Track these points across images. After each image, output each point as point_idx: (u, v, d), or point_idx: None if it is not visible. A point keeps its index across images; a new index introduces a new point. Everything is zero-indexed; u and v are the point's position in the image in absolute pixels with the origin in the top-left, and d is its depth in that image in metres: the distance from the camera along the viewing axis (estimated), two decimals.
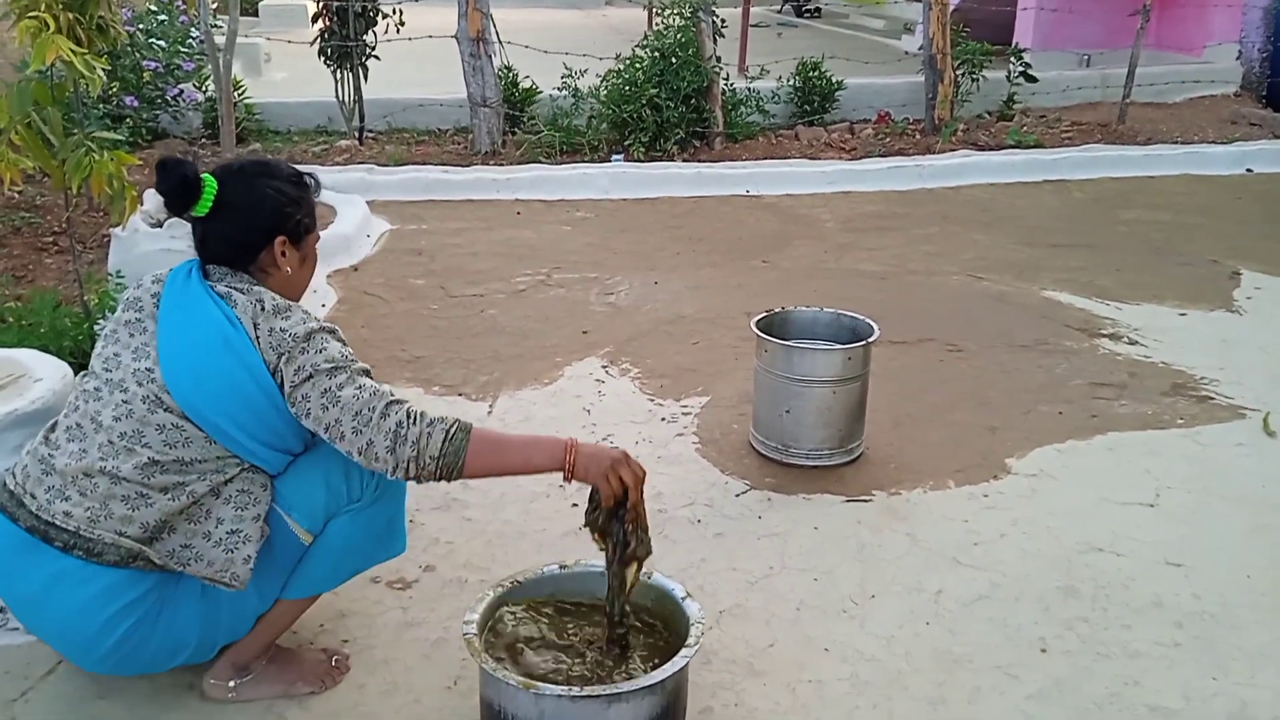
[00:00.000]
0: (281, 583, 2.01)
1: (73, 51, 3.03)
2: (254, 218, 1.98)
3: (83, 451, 1.87)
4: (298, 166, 2.15)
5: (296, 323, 1.92)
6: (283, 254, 2.01)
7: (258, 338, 1.89)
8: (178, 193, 1.94)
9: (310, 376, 1.89)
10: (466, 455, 1.89)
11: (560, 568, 2.19)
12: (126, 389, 1.89)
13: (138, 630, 1.87)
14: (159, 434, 1.86)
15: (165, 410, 1.87)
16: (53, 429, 1.96)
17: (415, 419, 1.89)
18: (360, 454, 1.88)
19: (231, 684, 2.08)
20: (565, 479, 1.96)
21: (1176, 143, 7.22)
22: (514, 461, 1.97)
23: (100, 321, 3.47)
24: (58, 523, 1.84)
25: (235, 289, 1.94)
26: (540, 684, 1.83)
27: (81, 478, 1.85)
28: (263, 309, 1.91)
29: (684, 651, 1.91)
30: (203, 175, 1.95)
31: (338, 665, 2.18)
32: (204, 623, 1.94)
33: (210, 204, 1.95)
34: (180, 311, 1.92)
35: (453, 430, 1.89)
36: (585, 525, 2.03)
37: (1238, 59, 8.92)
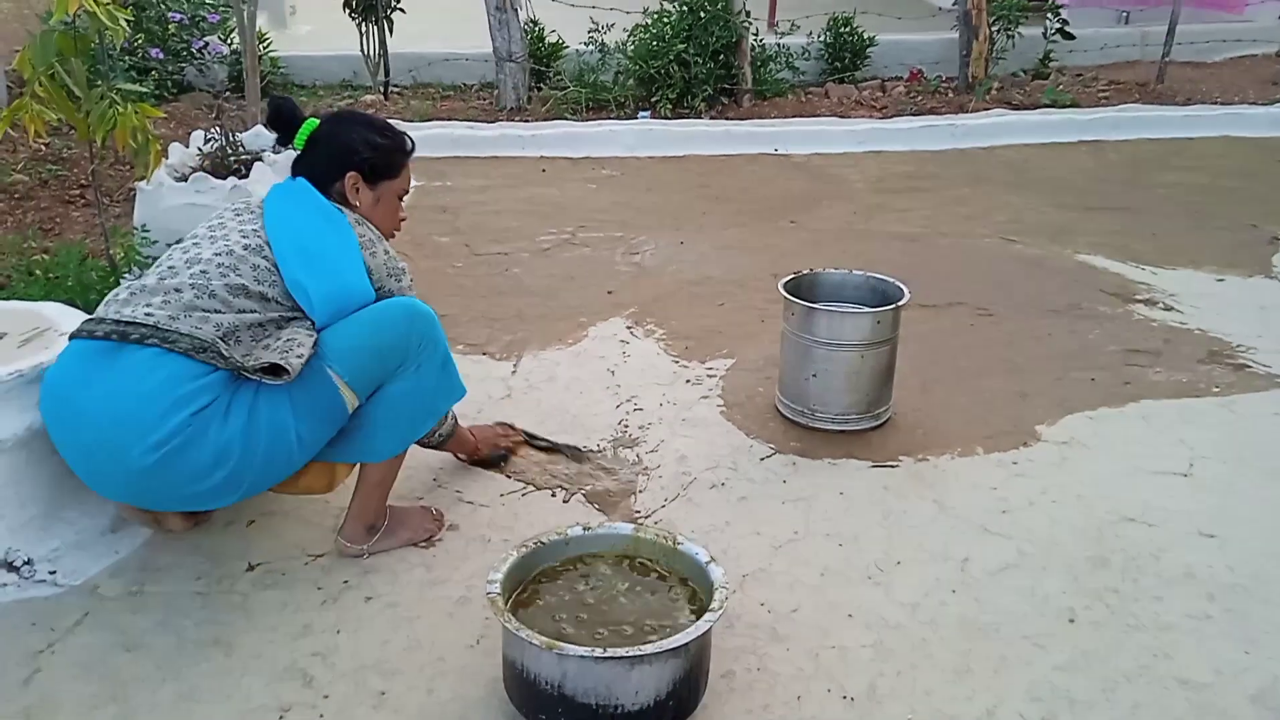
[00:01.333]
0: (323, 438, 2.21)
1: (96, 2, 3.01)
2: (332, 152, 2.38)
3: (174, 273, 2.18)
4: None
5: (388, 258, 2.37)
6: (355, 189, 2.39)
7: (365, 257, 2.30)
8: (279, 126, 2.40)
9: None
10: None
11: (584, 529, 2.18)
12: (229, 238, 2.24)
13: (192, 424, 2.03)
14: (252, 271, 2.19)
15: (262, 256, 2.21)
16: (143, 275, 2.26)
17: None
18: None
19: (365, 545, 2.39)
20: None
21: (1216, 103, 7.05)
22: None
23: (126, 276, 3.47)
24: (138, 320, 2.09)
25: (339, 208, 2.35)
26: (563, 644, 1.82)
27: (170, 291, 2.14)
28: (363, 232, 2.34)
29: (707, 616, 1.90)
30: (307, 117, 2.41)
31: (438, 517, 2.51)
32: (244, 447, 2.08)
33: (304, 139, 2.39)
34: (292, 198, 2.33)
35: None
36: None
37: None
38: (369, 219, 2.40)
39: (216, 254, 2.20)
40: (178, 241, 2.35)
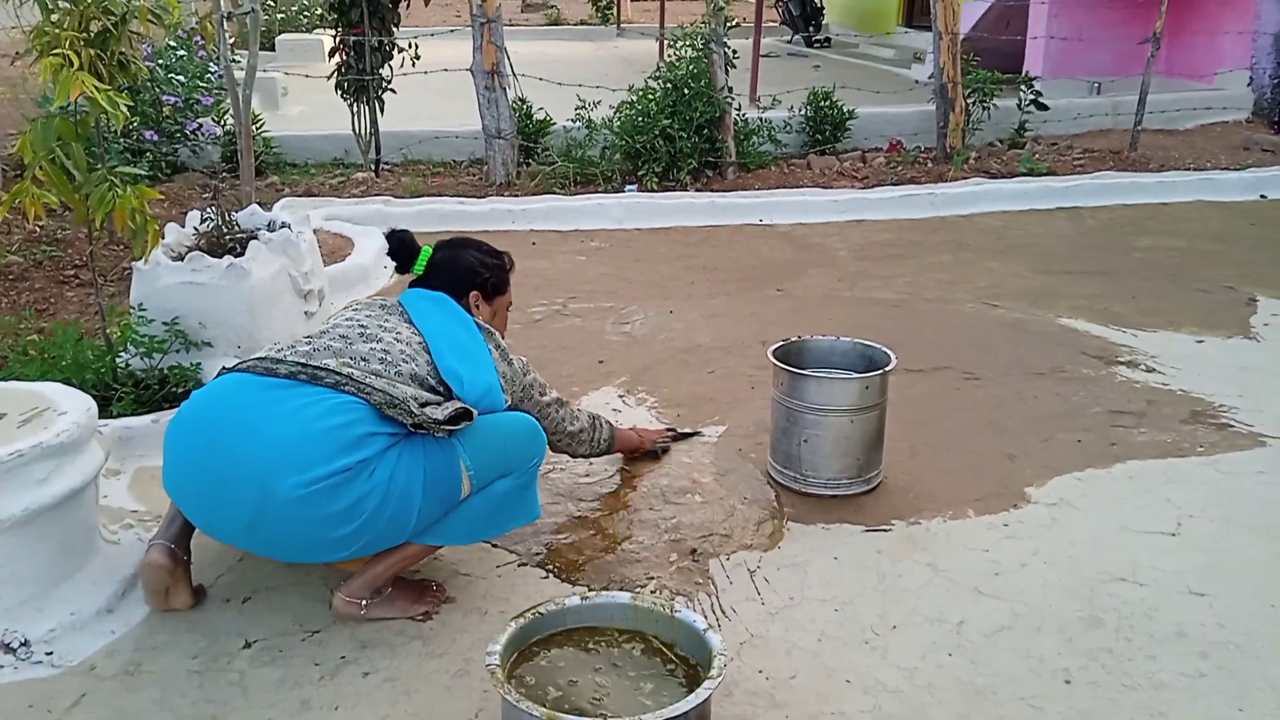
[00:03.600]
0: (434, 517, 2.33)
1: (95, 88, 3.08)
2: (455, 275, 2.68)
3: (349, 344, 2.40)
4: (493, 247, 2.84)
5: (517, 357, 2.69)
6: (476, 306, 2.69)
7: (500, 366, 2.58)
8: (400, 254, 2.68)
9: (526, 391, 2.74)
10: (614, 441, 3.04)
11: (581, 599, 2.19)
12: (399, 331, 2.47)
13: (352, 470, 2.18)
14: (428, 364, 2.42)
15: (428, 353, 2.44)
16: (303, 340, 2.45)
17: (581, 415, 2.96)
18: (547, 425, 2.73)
19: (364, 602, 2.41)
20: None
21: (1189, 169, 7.22)
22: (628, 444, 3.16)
23: (122, 354, 3.50)
24: (330, 367, 2.28)
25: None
26: (563, 715, 1.82)
27: (359, 359, 2.34)
28: (496, 344, 2.62)
29: (706, 683, 1.90)
30: (422, 246, 2.69)
31: (438, 591, 2.54)
32: (376, 507, 2.21)
33: (424, 265, 2.67)
34: (433, 300, 2.59)
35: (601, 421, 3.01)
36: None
37: (1249, 85, 8.93)
38: None
39: (396, 339, 2.43)
40: (323, 330, 2.52)
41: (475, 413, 2.36)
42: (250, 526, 2.23)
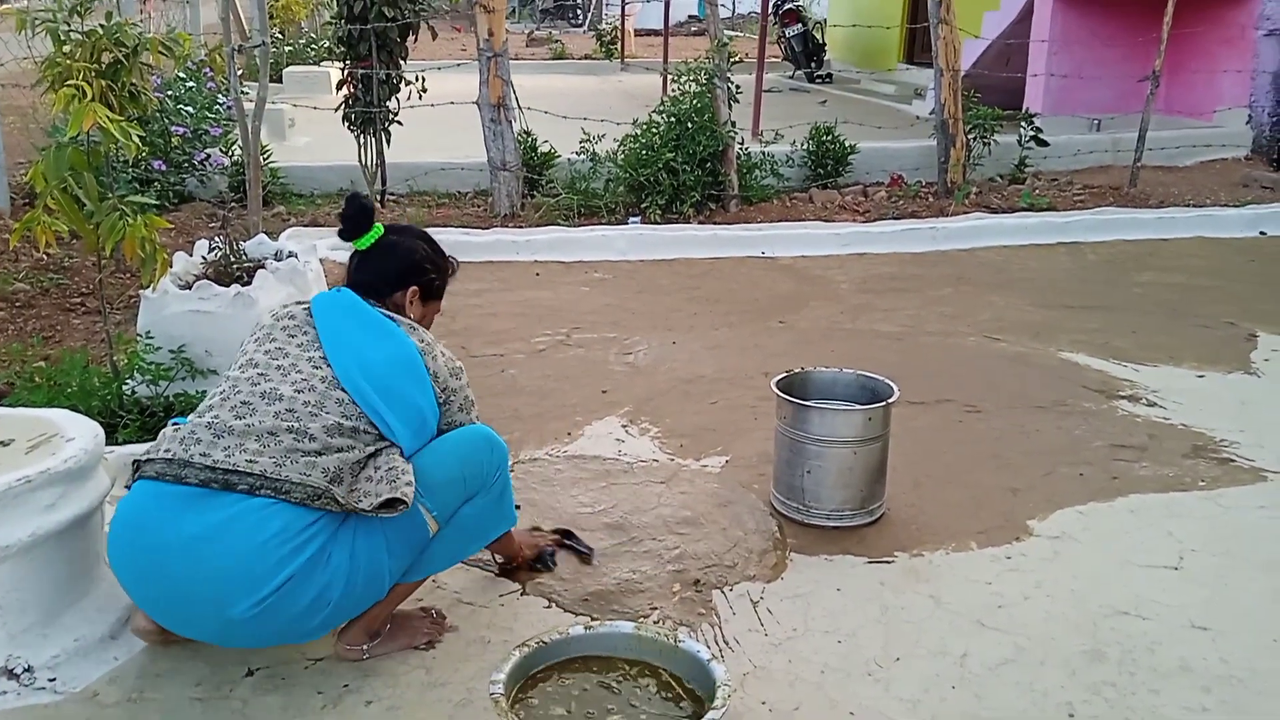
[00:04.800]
0: (408, 562, 2.28)
1: (108, 118, 3.12)
2: (400, 261, 2.47)
3: (251, 410, 2.18)
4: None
5: (448, 359, 2.43)
6: (411, 302, 2.47)
7: (427, 361, 2.34)
8: (354, 220, 2.44)
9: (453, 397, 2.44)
10: None
11: (585, 628, 2.19)
12: (300, 370, 2.25)
13: (301, 572, 2.07)
14: (338, 406, 2.21)
15: (340, 389, 2.23)
16: (201, 414, 2.22)
17: None
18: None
19: (364, 646, 2.36)
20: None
21: (1189, 206, 7.26)
22: None
23: (128, 381, 3.52)
24: (241, 468, 2.09)
25: (391, 316, 2.39)
26: None
27: (265, 435, 2.14)
28: (421, 338, 2.38)
29: (710, 714, 1.90)
30: (376, 222, 2.47)
31: (439, 620, 2.50)
32: (347, 583, 2.14)
33: (371, 242, 2.45)
34: (342, 312, 2.35)
35: None
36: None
37: (1248, 123, 9.00)
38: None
39: (297, 390, 2.21)
40: (230, 369, 2.35)
41: (408, 500, 2.16)
42: (221, 637, 2.21)
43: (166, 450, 2.17)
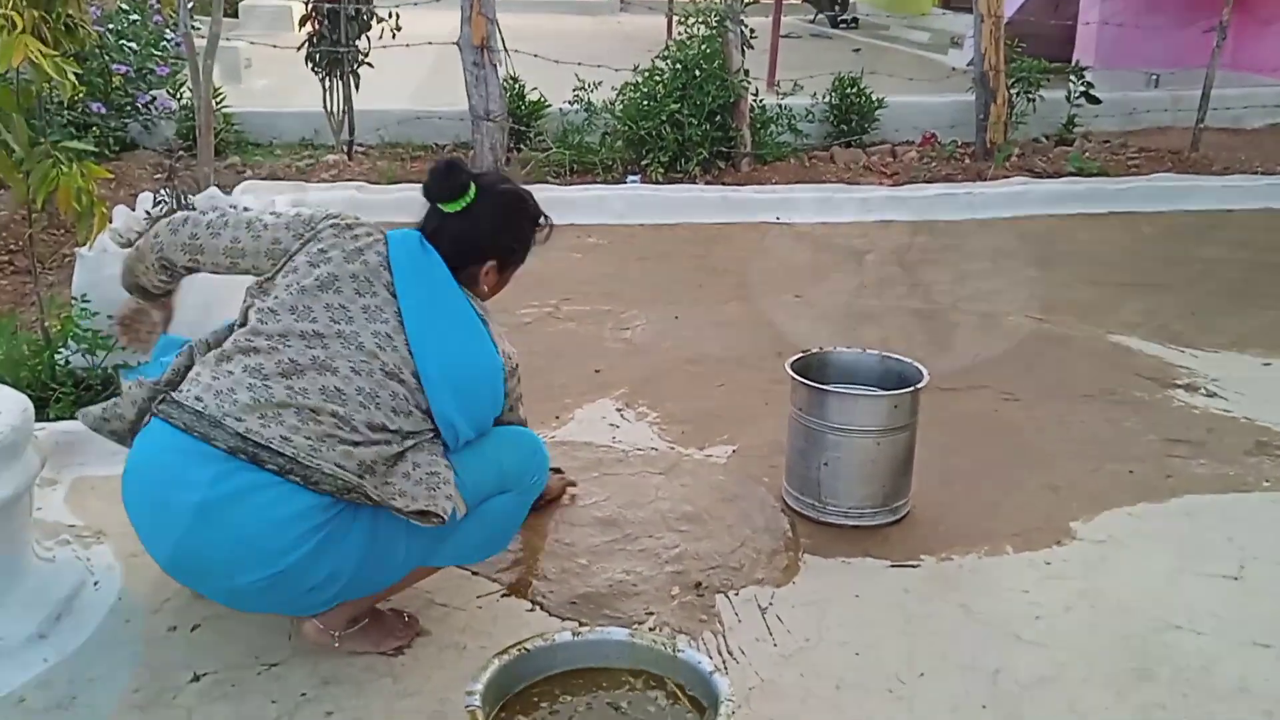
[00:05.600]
0: (429, 550, 2.34)
1: (40, 53, 3.09)
2: (494, 236, 2.46)
3: (307, 386, 2.19)
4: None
5: (515, 363, 2.52)
6: (487, 274, 2.48)
7: (506, 375, 2.43)
8: (445, 183, 2.39)
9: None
10: None
11: (574, 634, 2.19)
12: (364, 347, 2.25)
13: (317, 550, 2.15)
14: (391, 400, 2.24)
15: (401, 383, 2.25)
16: (245, 352, 2.23)
17: None
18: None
19: (337, 633, 2.41)
20: None
21: (1257, 173, 7.26)
22: None
23: (62, 350, 3.50)
24: (274, 445, 2.13)
25: (475, 305, 2.42)
26: None
27: (306, 412, 2.17)
28: (505, 351, 2.45)
29: None
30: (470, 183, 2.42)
31: (410, 623, 2.53)
32: (360, 562, 2.22)
33: (463, 206, 2.40)
34: (428, 286, 2.34)
35: None
36: None
37: None
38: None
39: (355, 371, 2.21)
40: (258, 287, 2.33)
41: (444, 516, 2.21)
42: (228, 600, 2.33)
43: (199, 400, 2.18)
